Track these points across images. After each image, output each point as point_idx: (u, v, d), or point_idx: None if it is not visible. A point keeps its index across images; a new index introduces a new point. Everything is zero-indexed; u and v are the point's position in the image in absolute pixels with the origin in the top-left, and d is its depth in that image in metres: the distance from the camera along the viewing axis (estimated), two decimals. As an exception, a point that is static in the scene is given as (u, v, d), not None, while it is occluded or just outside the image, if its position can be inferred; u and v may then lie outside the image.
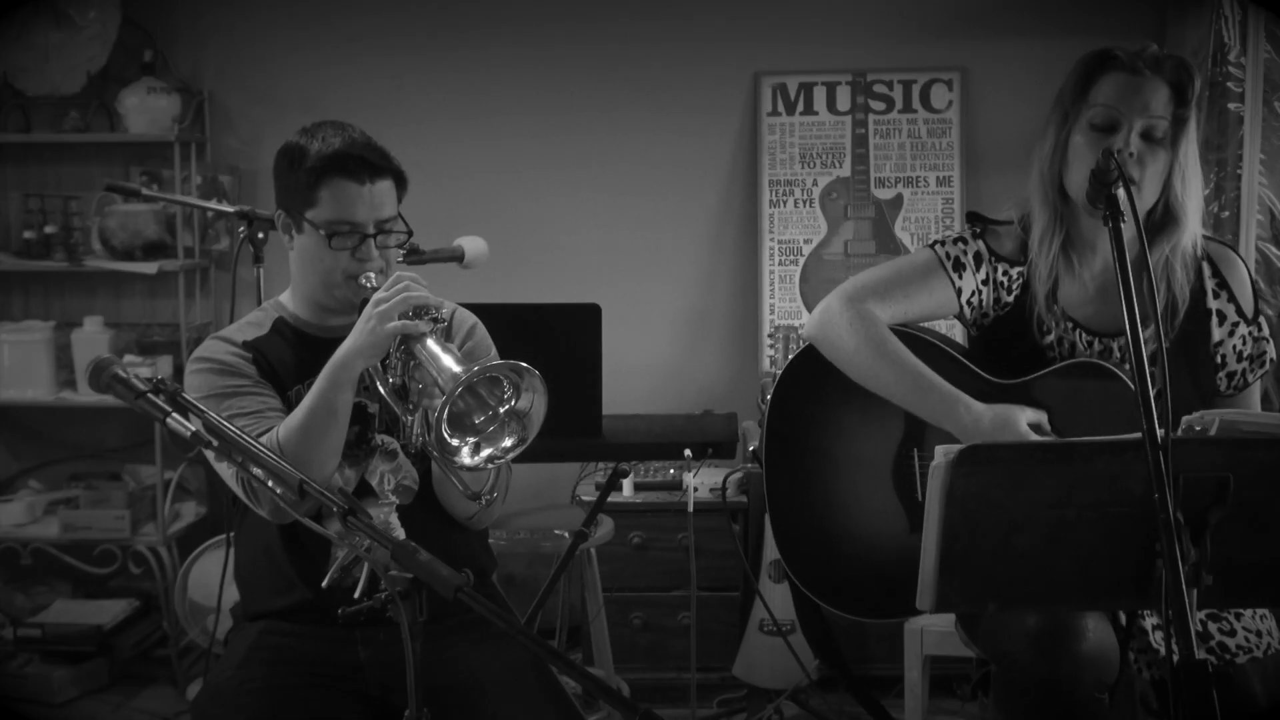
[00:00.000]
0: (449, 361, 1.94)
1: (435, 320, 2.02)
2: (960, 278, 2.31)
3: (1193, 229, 2.23)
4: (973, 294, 2.32)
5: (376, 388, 2.08)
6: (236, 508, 2.22)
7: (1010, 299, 2.33)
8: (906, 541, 2.26)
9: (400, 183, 2.20)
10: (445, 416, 1.87)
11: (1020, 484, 1.72)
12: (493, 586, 2.38)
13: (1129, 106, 2.14)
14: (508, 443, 1.93)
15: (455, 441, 1.91)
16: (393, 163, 2.18)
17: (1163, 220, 2.23)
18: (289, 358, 2.22)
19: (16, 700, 3.84)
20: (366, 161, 2.14)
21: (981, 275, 2.32)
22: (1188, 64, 2.20)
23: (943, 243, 2.35)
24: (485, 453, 1.93)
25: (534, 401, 1.92)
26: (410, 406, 2.05)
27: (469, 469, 1.96)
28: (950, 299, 2.32)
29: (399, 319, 1.99)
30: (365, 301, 2.07)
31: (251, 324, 2.27)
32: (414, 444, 2.09)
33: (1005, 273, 2.32)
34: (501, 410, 1.94)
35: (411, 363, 2.01)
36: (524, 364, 1.90)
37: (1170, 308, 2.25)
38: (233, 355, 2.19)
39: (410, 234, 2.22)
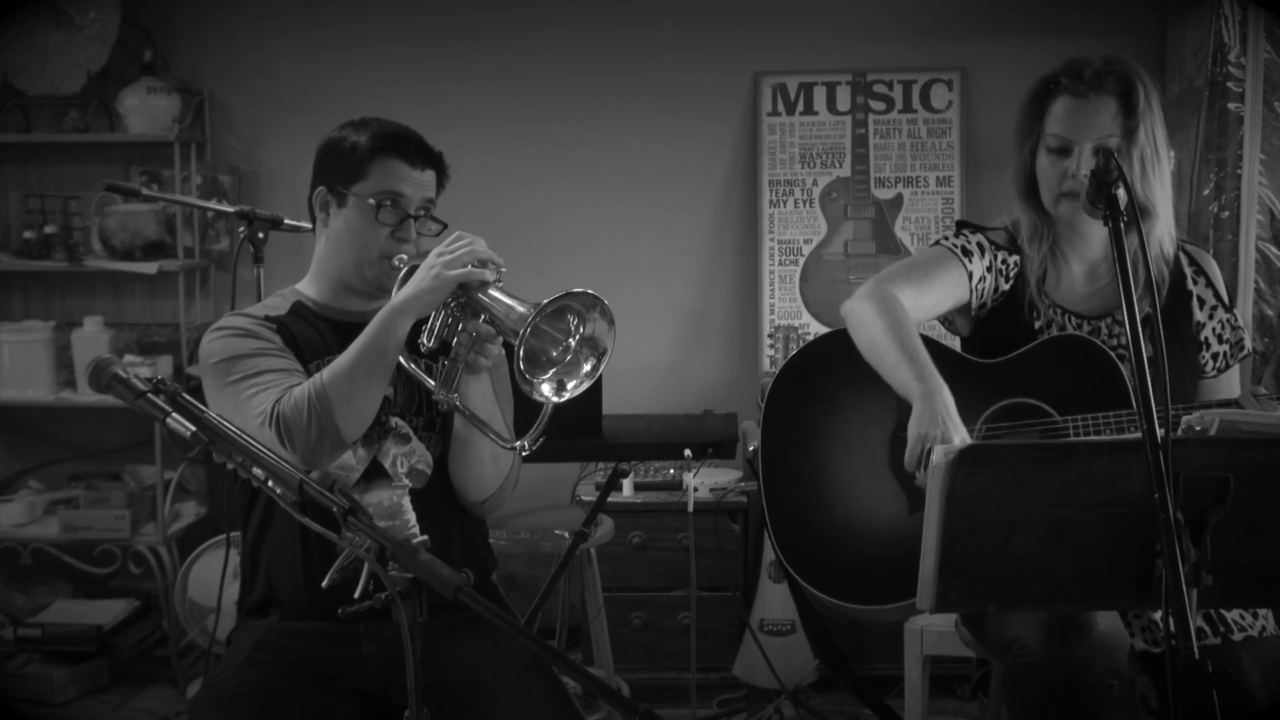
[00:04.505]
0: (516, 303, 1.99)
1: (498, 272, 2.06)
2: (970, 262, 2.42)
3: (1165, 217, 2.36)
4: (980, 279, 2.42)
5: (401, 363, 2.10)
6: (249, 494, 2.23)
7: (1007, 286, 2.43)
8: (907, 522, 2.28)
9: (442, 181, 2.28)
10: (523, 355, 1.92)
11: (1020, 484, 1.72)
12: (492, 585, 2.38)
13: (1077, 134, 2.30)
14: (587, 367, 2.01)
15: (537, 379, 1.96)
16: (441, 158, 2.27)
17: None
18: (310, 334, 2.24)
19: (16, 700, 3.84)
20: (422, 148, 2.24)
21: (985, 262, 2.43)
22: (1129, 75, 2.30)
23: (946, 238, 2.46)
24: (570, 383, 1.99)
25: (598, 325, 2.00)
26: (446, 364, 2.07)
27: (556, 403, 2.00)
28: (963, 283, 2.41)
29: (463, 267, 2.03)
30: (411, 270, 2.11)
31: (269, 305, 2.30)
32: (444, 404, 2.09)
33: (1004, 260, 2.43)
34: (573, 341, 2.00)
35: (462, 316, 2.05)
36: (588, 290, 1.96)
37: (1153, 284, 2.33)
38: (255, 324, 2.22)
39: (445, 226, 2.27)
